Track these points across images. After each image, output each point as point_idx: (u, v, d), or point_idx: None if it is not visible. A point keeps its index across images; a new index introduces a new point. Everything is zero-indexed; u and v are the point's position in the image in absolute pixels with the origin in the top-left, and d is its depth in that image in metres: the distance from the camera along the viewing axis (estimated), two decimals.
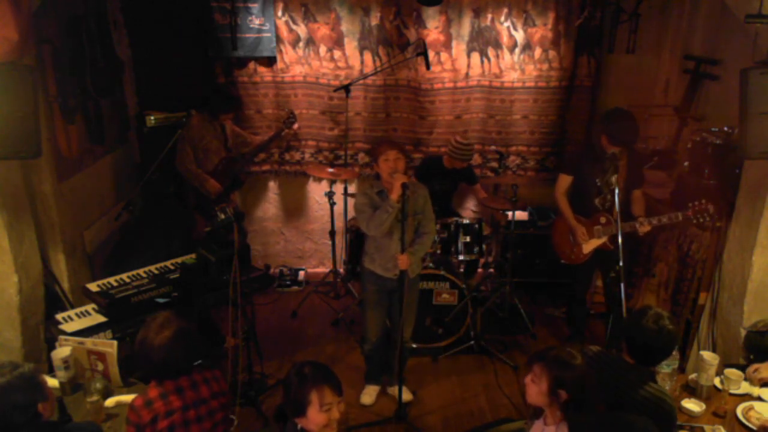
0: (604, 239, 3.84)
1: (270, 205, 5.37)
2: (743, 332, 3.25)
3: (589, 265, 4.04)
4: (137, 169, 4.69)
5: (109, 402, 2.65)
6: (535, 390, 2.20)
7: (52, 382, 2.66)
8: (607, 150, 3.69)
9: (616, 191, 3.34)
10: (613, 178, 3.36)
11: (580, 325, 4.33)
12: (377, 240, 3.39)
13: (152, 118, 4.44)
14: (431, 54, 4.67)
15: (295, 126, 4.76)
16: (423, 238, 3.41)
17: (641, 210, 3.78)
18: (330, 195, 4.76)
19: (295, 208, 5.39)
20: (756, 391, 2.82)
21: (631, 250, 3.94)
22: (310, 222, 5.41)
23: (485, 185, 5.10)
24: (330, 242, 5.01)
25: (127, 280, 3.37)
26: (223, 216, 3.25)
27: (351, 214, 4.75)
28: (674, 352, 2.77)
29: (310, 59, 4.83)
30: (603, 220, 3.79)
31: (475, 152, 4.63)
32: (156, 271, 3.53)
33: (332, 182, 4.85)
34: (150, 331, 2.28)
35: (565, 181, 3.98)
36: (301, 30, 4.75)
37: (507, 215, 4.55)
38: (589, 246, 3.91)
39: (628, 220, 3.66)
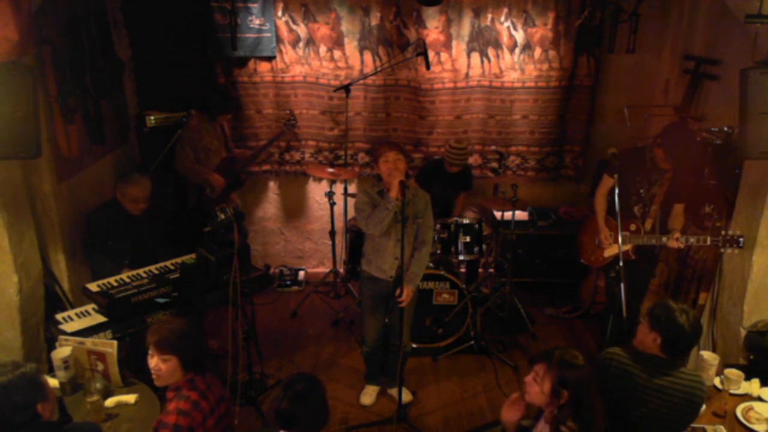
0: (627, 247, 3.60)
1: (270, 205, 5.37)
2: (743, 332, 3.25)
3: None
4: (137, 169, 4.68)
5: (109, 402, 2.66)
6: (537, 390, 2.21)
7: (52, 382, 2.66)
8: (660, 164, 3.51)
9: (616, 192, 3.35)
10: (615, 178, 3.33)
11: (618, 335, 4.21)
12: (375, 241, 3.39)
13: (152, 118, 4.44)
14: (431, 54, 4.67)
15: (294, 129, 4.78)
16: (421, 251, 3.41)
17: (678, 225, 3.58)
18: (330, 195, 4.76)
19: (295, 208, 5.39)
20: (756, 391, 2.83)
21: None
22: (310, 222, 5.41)
23: (483, 186, 5.12)
24: (330, 242, 5.01)
25: (127, 280, 3.37)
26: (223, 216, 3.25)
27: (351, 214, 4.75)
28: None
29: (310, 59, 4.83)
30: (633, 227, 3.60)
31: (470, 155, 4.61)
32: (156, 271, 3.53)
33: (332, 182, 4.84)
34: (173, 324, 2.37)
35: (608, 182, 3.72)
36: (301, 30, 4.75)
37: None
38: (610, 251, 3.77)
39: (665, 233, 3.55)
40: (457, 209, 4.75)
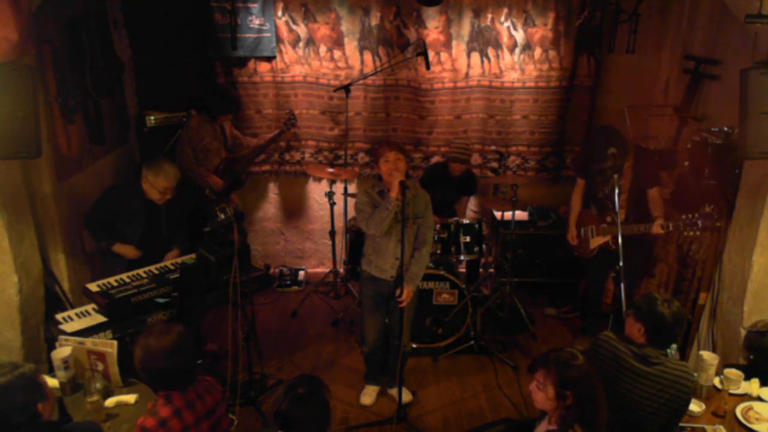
0: (607, 238, 3.87)
1: (270, 205, 5.37)
2: (743, 332, 3.25)
3: (600, 265, 4.09)
4: (137, 169, 4.68)
5: (109, 402, 2.65)
6: (542, 396, 2.20)
7: (52, 382, 2.66)
8: (607, 163, 3.73)
9: (616, 192, 3.43)
10: (615, 178, 3.46)
11: (593, 317, 4.35)
12: (375, 241, 3.40)
13: (152, 118, 4.45)
14: (431, 54, 4.67)
15: (294, 129, 4.79)
16: (422, 251, 3.41)
17: (660, 210, 3.78)
18: (330, 195, 4.76)
19: (295, 208, 5.39)
20: (756, 391, 2.83)
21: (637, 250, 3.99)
22: (310, 222, 5.41)
23: (483, 186, 5.12)
24: (330, 242, 5.01)
25: (127, 280, 3.38)
26: (223, 216, 3.24)
27: (351, 214, 4.75)
28: (674, 351, 2.79)
29: (310, 59, 4.83)
30: (609, 219, 3.82)
31: (472, 152, 4.62)
32: (156, 271, 3.53)
33: (332, 182, 4.84)
34: (151, 340, 2.20)
35: (579, 184, 4.14)
36: (301, 30, 4.75)
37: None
38: (595, 242, 3.98)
39: (646, 220, 3.72)
40: (460, 214, 4.69)
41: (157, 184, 3.58)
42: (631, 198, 3.86)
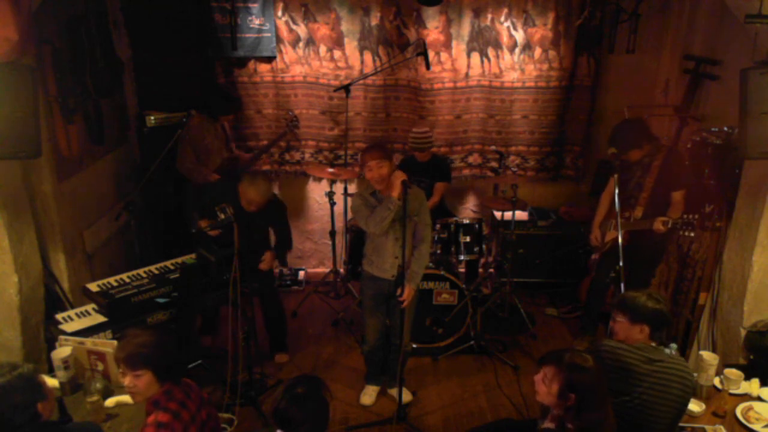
0: (617, 233, 3.82)
1: None
2: (743, 332, 3.25)
3: (611, 261, 4.04)
4: (137, 169, 4.69)
5: (109, 402, 2.66)
6: (545, 390, 2.22)
7: (52, 382, 2.66)
8: (632, 158, 3.77)
9: (616, 192, 3.43)
10: (615, 178, 3.44)
11: (594, 316, 4.32)
12: (375, 241, 3.40)
13: (152, 118, 4.44)
14: (431, 54, 4.67)
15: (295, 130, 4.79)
16: (420, 249, 3.40)
17: (675, 215, 3.67)
18: (330, 195, 4.76)
19: (295, 208, 5.38)
20: (756, 390, 2.83)
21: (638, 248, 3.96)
22: (310, 222, 5.41)
23: (483, 186, 5.11)
24: (330, 242, 5.01)
25: (127, 280, 3.38)
26: (223, 216, 3.24)
27: (351, 214, 4.74)
28: (674, 351, 2.78)
29: (310, 59, 4.83)
30: (626, 214, 3.79)
31: (432, 139, 4.58)
32: (156, 271, 3.53)
33: (332, 182, 4.84)
34: (140, 336, 2.26)
35: (610, 182, 4.02)
36: (301, 30, 4.75)
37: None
38: (609, 236, 4.01)
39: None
40: (434, 197, 4.58)
41: (246, 194, 3.70)
42: (652, 197, 3.78)
